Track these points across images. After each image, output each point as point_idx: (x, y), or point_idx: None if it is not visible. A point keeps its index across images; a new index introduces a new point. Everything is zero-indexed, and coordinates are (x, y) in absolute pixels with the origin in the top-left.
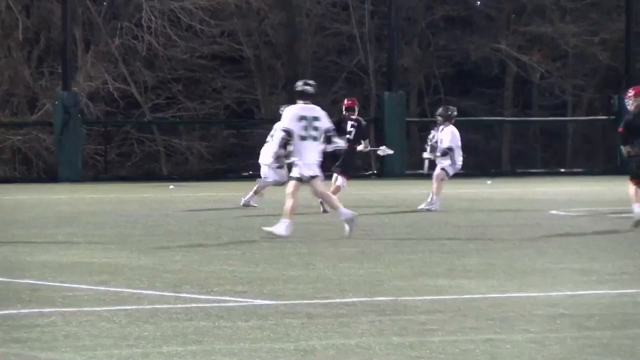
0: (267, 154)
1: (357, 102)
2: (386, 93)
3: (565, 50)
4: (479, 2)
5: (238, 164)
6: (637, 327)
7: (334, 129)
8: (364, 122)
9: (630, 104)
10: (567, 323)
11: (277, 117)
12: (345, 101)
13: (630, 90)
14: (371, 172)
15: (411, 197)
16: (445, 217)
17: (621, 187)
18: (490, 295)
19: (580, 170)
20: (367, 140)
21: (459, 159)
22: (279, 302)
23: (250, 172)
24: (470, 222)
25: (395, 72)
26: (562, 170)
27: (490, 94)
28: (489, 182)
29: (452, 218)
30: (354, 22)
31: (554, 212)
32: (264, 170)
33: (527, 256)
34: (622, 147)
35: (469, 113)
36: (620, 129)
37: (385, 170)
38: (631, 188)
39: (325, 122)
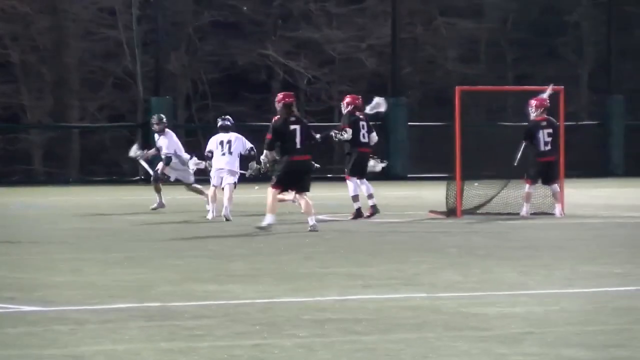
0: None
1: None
2: (153, 98)
3: (331, 56)
4: (245, 8)
5: (5, 169)
6: (403, 332)
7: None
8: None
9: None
10: (335, 327)
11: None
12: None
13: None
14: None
15: (177, 201)
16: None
17: (390, 192)
18: (258, 301)
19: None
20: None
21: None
22: (48, 308)
23: (17, 177)
24: (240, 225)
25: (162, 77)
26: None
27: (258, 99)
28: (256, 187)
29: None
30: (120, 27)
31: (321, 216)
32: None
33: (295, 261)
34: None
35: (237, 118)
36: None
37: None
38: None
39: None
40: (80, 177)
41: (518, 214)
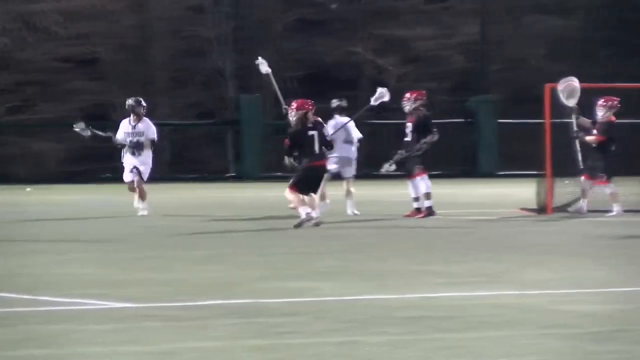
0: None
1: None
2: (243, 96)
3: (418, 53)
4: (334, 5)
5: (95, 166)
6: (490, 329)
7: None
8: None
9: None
10: (422, 325)
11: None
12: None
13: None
14: (229, 174)
15: (265, 200)
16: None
17: (478, 189)
18: (347, 298)
19: (437, 172)
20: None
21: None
22: (137, 305)
23: (109, 175)
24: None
25: (252, 74)
26: None
27: (346, 96)
28: None
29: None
30: (209, 25)
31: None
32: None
33: (381, 258)
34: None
35: (325, 116)
36: None
37: (242, 172)
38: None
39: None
40: (168, 175)
41: (607, 211)
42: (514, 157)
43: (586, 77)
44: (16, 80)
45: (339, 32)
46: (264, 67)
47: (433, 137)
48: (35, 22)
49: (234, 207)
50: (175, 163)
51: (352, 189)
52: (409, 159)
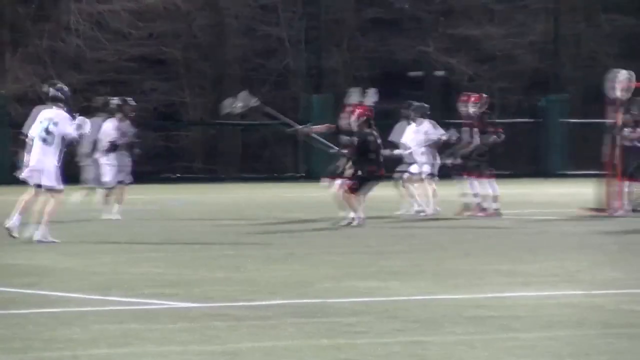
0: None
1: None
2: (315, 96)
3: (492, 52)
4: (406, 5)
5: (165, 166)
6: (562, 329)
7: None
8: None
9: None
10: (494, 325)
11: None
12: None
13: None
14: (299, 174)
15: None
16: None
17: (547, 189)
18: (417, 297)
19: (506, 172)
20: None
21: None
22: (207, 304)
23: (178, 175)
24: (395, 224)
25: (324, 74)
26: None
27: (417, 96)
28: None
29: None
30: (282, 24)
31: (479, 214)
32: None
33: (453, 258)
34: None
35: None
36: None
37: (312, 172)
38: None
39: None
40: (239, 175)
41: None
42: (584, 156)
43: None
44: (88, 81)
45: (410, 31)
46: (245, 102)
47: (497, 138)
48: (107, 22)
49: (306, 207)
50: (245, 162)
51: (431, 188)
52: (472, 159)
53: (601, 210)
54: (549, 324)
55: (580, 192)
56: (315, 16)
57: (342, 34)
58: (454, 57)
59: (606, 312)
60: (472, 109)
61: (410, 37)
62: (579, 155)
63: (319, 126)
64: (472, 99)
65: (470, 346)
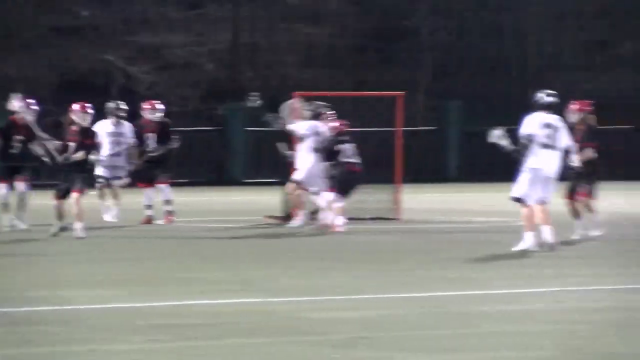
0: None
1: None
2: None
3: (172, 60)
4: (85, 12)
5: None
6: (237, 337)
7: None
8: None
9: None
10: (171, 333)
11: None
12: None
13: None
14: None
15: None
16: None
17: (230, 197)
18: (95, 306)
19: (185, 180)
20: None
21: None
22: None
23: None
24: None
25: None
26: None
27: (96, 104)
28: None
29: None
30: None
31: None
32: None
33: (133, 265)
34: None
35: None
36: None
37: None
38: None
39: None
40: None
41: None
42: (266, 164)
43: (336, 84)
44: None
45: (92, 40)
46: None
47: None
48: None
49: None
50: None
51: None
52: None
53: (284, 219)
54: (226, 332)
55: (262, 200)
56: None
57: (20, 41)
58: (135, 65)
59: (281, 319)
60: (154, 115)
61: (92, 45)
62: (262, 163)
63: None
64: (155, 106)
65: (147, 355)
